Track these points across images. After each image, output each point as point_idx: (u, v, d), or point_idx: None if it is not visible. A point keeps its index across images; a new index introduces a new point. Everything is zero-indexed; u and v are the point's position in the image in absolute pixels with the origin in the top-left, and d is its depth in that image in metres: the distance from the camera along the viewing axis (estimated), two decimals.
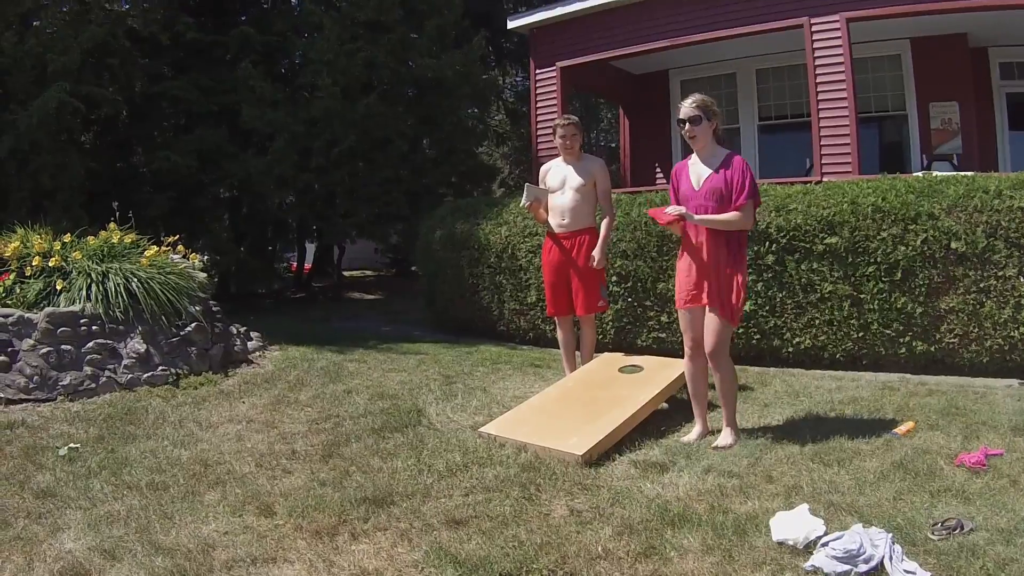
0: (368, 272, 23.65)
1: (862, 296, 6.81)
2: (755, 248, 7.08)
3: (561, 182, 6.33)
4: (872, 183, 7.11)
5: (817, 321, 7.05)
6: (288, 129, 13.03)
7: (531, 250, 8.68)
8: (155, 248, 7.23)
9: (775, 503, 3.69)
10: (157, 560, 3.26)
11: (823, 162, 9.18)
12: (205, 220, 15.19)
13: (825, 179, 8.49)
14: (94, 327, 6.35)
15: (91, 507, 3.88)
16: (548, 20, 11.64)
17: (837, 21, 9.03)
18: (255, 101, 13.10)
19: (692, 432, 4.94)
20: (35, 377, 5.93)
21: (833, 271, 6.91)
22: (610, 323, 8.11)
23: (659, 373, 5.76)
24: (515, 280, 8.99)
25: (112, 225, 7.38)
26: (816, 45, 9.23)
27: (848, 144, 8.99)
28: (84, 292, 6.49)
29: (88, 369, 6.17)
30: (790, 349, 7.24)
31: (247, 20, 15.00)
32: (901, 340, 6.73)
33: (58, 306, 6.37)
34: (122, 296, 6.49)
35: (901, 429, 4.79)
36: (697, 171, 4.80)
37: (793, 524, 3.29)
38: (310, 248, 19.67)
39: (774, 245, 7.11)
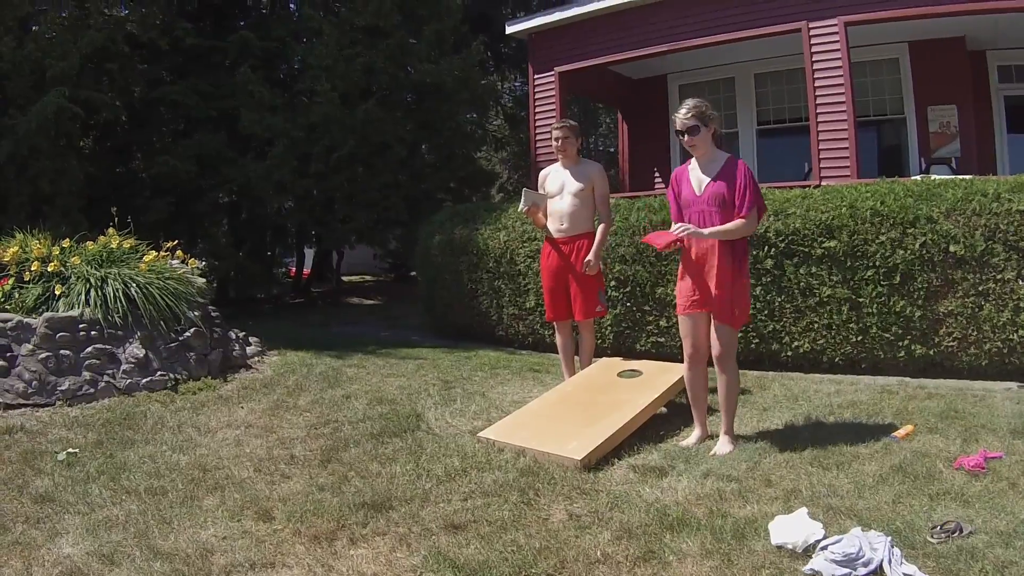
0: (367, 277, 23.66)
1: (861, 300, 6.81)
2: (754, 252, 7.08)
3: (560, 187, 6.33)
4: (871, 187, 7.12)
5: (816, 325, 7.05)
6: (287, 134, 13.05)
7: (530, 255, 8.68)
8: (154, 253, 7.24)
9: (774, 507, 3.68)
10: (156, 565, 3.25)
11: (822, 166, 9.19)
12: (204, 225, 15.22)
13: (824, 183, 8.51)
14: (93, 332, 6.35)
15: (89, 512, 3.88)
16: (546, 25, 11.67)
17: (835, 25, 9.05)
18: (254, 106, 13.13)
19: (691, 436, 4.93)
20: (34, 382, 5.93)
21: (832, 275, 6.91)
22: (609, 328, 8.11)
23: (658, 377, 5.75)
24: (514, 285, 8.99)
25: (111, 230, 7.39)
26: (814, 49, 9.24)
27: (847, 148, 9.00)
28: (83, 297, 6.49)
29: (87, 374, 6.16)
30: (789, 353, 7.24)
31: (246, 25, 15.04)
32: (900, 344, 6.73)
33: (57, 311, 6.37)
34: (121, 301, 6.49)
35: (900, 433, 4.79)
36: (698, 176, 4.76)
37: (792, 528, 3.28)
38: (309, 253, 19.68)
39: (773, 249, 7.11)
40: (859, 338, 6.88)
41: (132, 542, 3.49)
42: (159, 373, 6.46)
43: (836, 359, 7.02)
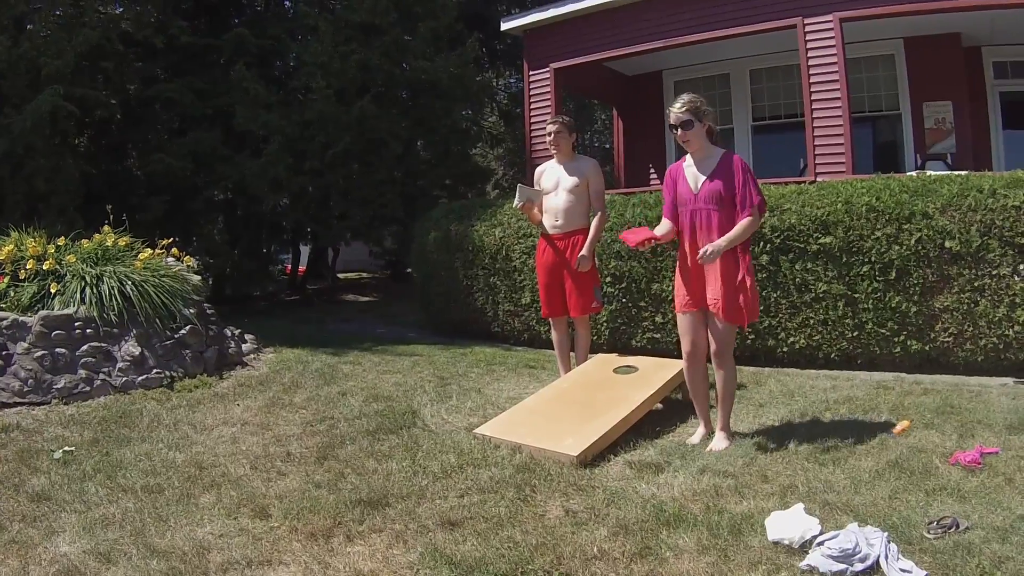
0: (363, 274, 23.61)
1: (857, 296, 6.82)
2: (750, 248, 7.06)
3: (555, 183, 6.34)
4: (866, 183, 7.13)
5: (812, 321, 7.06)
6: (282, 132, 13.02)
7: (525, 251, 8.68)
8: (149, 251, 7.23)
9: (770, 503, 3.69)
10: (152, 563, 3.25)
11: (817, 162, 9.19)
12: (199, 223, 15.18)
13: (819, 179, 8.52)
14: (88, 330, 6.34)
15: (86, 510, 3.87)
16: (541, 22, 11.65)
17: (830, 21, 9.05)
18: (249, 103, 13.09)
19: (696, 434, 4.92)
20: (29, 380, 5.92)
21: (828, 271, 6.92)
22: (605, 324, 8.11)
23: (654, 374, 5.75)
24: (509, 281, 8.99)
25: (106, 228, 7.37)
26: (809, 45, 9.24)
27: (842, 144, 9.01)
28: (78, 295, 6.48)
29: (82, 372, 6.15)
30: (785, 349, 7.25)
31: (241, 23, 14.99)
32: (896, 339, 6.74)
33: (52, 309, 6.35)
34: (116, 299, 6.48)
35: (896, 428, 4.80)
36: (694, 173, 4.72)
37: (789, 524, 3.29)
38: (305, 251, 19.64)
39: (768, 245, 7.12)
40: (855, 334, 6.89)
41: (129, 540, 3.49)
42: (155, 371, 6.45)
43: (832, 355, 7.04)
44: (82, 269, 6.68)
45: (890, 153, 10.99)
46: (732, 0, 9.78)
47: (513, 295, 8.98)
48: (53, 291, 6.50)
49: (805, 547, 3.17)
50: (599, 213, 6.28)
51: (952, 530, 3.24)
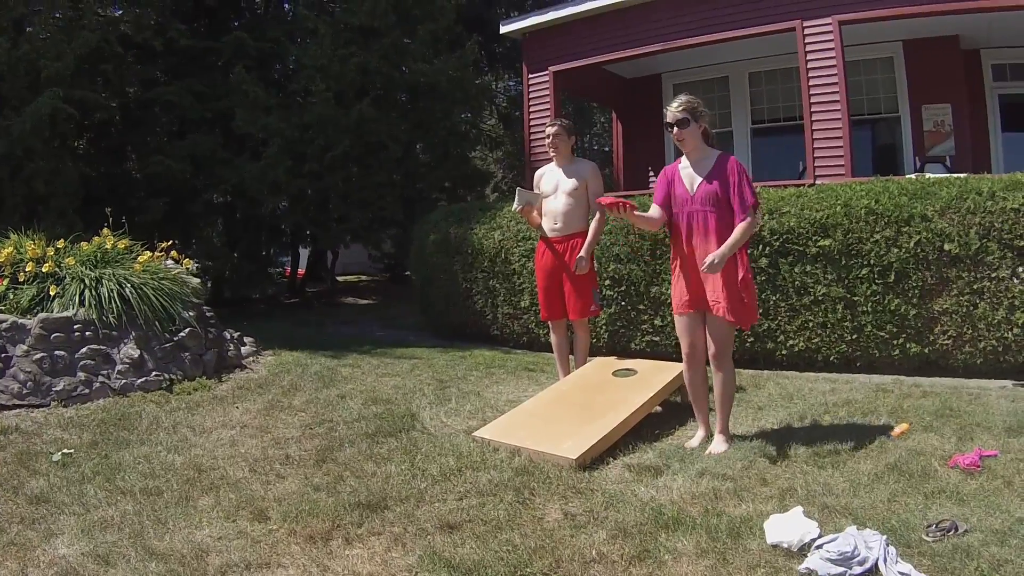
0: (362, 277, 23.62)
1: (856, 298, 6.82)
2: (749, 251, 7.04)
3: (554, 186, 6.34)
4: (865, 185, 7.13)
5: (811, 324, 7.06)
6: (282, 134, 13.04)
7: (524, 254, 8.68)
8: (149, 254, 7.23)
9: (769, 506, 3.69)
10: (151, 566, 3.25)
11: (816, 165, 9.20)
12: (199, 226, 15.22)
13: (818, 182, 8.52)
14: (88, 333, 6.33)
15: (85, 513, 3.87)
16: (541, 25, 11.66)
17: (829, 24, 9.06)
18: (249, 106, 13.11)
19: (695, 437, 4.90)
20: (29, 383, 5.92)
21: (826, 274, 6.92)
22: (604, 327, 8.11)
23: (653, 377, 5.75)
24: (508, 284, 8.99)
25: (106, 231, 7.37)
26: (808, 48, 9.25)
27: (841, 147, 9.01)
28: (78, 298, 6.47)
29: (82, 375, 6.15)
30: (784, 352, 7.25)
31: (240, 26, 15.02)
32: (895, 342, 6.74)
33: (52, 312, 6.35)
34: (116, 302, 6.47)
35: (895, 431, 4.80)
36: (690, 174, 4.72)
37: (787, 527, 3.29)
38: (304, 253, 19.65)
39: (767, 248, 7.12)
40: (854, 336, 6.89)
41: (127, 543, 3.49)
42: (154, 373, 6.45)
43: (831, 358, 7.03)
44: (81, 272, 6.68)
45: (889, 156, 11.00)
46: (731, 3, 9.79)
47: (512, 298, 8.98)
48: (52, 294, 6.50)
49: (804, 550, 3.17)
50: (597, 215, 6.28)
51: (951, 533, 3.24)
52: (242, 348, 7.68)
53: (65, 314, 6.32)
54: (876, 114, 11.15)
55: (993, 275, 6.33)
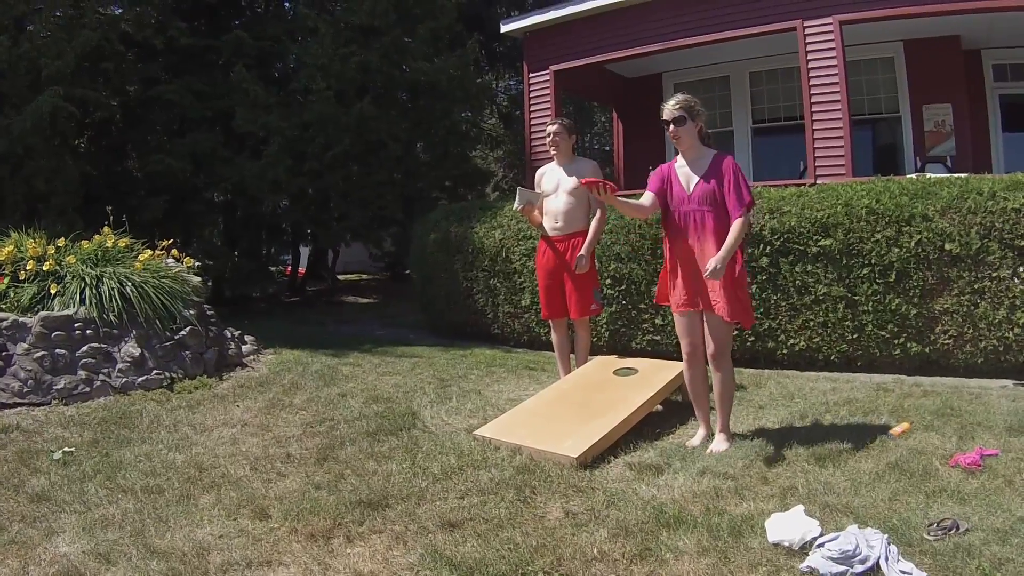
0: (363, 276, 23.60)
1: (856, 298, 6.82)
2: (749, 251, 7.08)
3: (555, 185, 6.34)
4: (866, 185, 7.13)
5: (812, 323, 7.06)
6: (282, 133, 13.03)
7: (525, 253, 8.68)
8: (149, 252, 7.23)
9: (771, 504, 3.69)
10: (152, 564, 3.25)
11: (817, 164, 9.19)
12: (199, 224, 15.19)
13: (819, 181, 8.52)
14: (88, 331, 6.34)
15: (86, 511, 3.88)
16: (541, 24, 11.65)
17: (830, 24, 9.06)
18: (249, 105, 13.10)
19: (696, 436, 4.90)
20: (29, 381, 5.92)
21: (827, 273, 6.92)
22: (604, 326, 8.11)
23: (654, 375, 5.75)
24: (509, 283, 8.99)
25: (106, 229, 7.37)
26: (809, 48, 9.25)
27: (842, 146, 9.02)
28: (78, 296, 6.48)
29: (82, 373, 6.15)
30: (785, 351, 7.25)
31: (241, 25, 14.99)
32: (896, 341, 6.75)
33: (52, 310, 6.35)
34: (116, 300, 6.48)
35: (896, 430, 4.80)
36: (686, 174, 4.72)
37: (789, 525, 3.29)
38: (304, 252, 19.65)
39: (768, 247, 7.12)
40: (855, 336, 6.89)
41: (128, 541, 3.49)
42: (155, 372, 6.45)
43: (832, 357, 7.03)
44: (82, 270, 6.68)
45: (890, 155, 11.01)
46: (732, 3, 9.79)
47: (513, 297, 8.98)
48: (53, 292, 6.50)
49: (805, 549, 3.17)
50: (598, 214, 6.28)
51: (952, 532, 3.24)
52: (243, 347, 7.68)
53: (66, 312, 6.32)
54: (877, 114, 11.15)
55: (994, 275, 6.33)
